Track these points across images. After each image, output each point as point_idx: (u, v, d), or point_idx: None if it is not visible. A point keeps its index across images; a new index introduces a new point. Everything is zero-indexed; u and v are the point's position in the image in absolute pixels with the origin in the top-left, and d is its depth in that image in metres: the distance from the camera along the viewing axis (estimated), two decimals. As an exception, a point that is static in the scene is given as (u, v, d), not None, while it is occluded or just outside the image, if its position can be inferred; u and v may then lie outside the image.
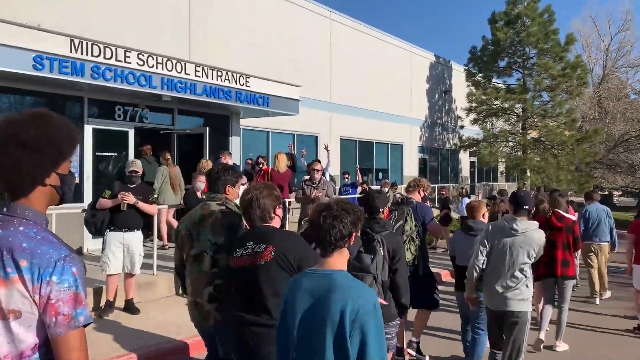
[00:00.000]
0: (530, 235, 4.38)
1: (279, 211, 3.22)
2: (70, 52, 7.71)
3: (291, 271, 2.90)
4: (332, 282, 2.17)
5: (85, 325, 1.54)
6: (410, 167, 23.36)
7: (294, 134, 16.88)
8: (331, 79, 18.27)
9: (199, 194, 7.46)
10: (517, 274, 4.35)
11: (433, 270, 6.10)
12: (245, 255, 2.98)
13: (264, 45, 14.99)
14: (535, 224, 4.50)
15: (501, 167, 27.77)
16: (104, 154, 9.50)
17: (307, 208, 8.82)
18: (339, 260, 2.26)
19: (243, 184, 7.82)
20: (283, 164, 9.65)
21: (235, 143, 11.87)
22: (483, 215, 5.53)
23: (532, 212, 5.29)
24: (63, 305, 1.49)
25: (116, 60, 8.32)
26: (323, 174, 9.18)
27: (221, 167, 3.70)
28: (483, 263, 4.53)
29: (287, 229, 3.44)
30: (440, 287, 6.04)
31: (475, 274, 4.55)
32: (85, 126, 9.13)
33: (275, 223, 3.17)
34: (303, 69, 16.53)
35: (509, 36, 22.96)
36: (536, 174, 23.38)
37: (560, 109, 22.95)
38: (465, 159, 28.20)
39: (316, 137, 17.90)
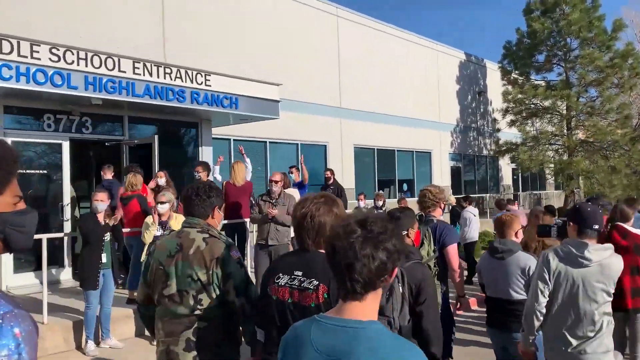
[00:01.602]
0: (608, 264, 3.30)
1: None
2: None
3: None
4: (362, 339, 1.44)
5: None
6: (442, 177, 21.09)
7: (297, 144, 15.11)
8: (340, 82, 16.45)
9: (100, 217, 5.73)
10: (597, 318, 3.28)
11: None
12: (291, 287, 2.35)
13: (260, 47, 13.37)
14: (610, 247, 3.41)
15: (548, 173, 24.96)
16: (28, 171, 7.97)
17: (264, 229, 7.01)
18: (372, 306, 1.53)
19: (163, 203, 6.09)
20: (241, 175, 7.86)
21: (206, 154, 10.16)
22: (516, 233, 4.30)
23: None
24: None
25: (18, 55, 6.80)
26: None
27: (207, 186, 3.02)
28: (545, 306, 3.41)
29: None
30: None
31: (536, 323, 3.43)
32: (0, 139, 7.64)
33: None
34: (305, 72, 14.80)
35: (546, 26, 20.43)
36: (585, 179, 20.58)
37: (609, 104, 20.06)
38: (506, 166, 25.56)
39: (325, 146, 16.07)
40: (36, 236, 6.53)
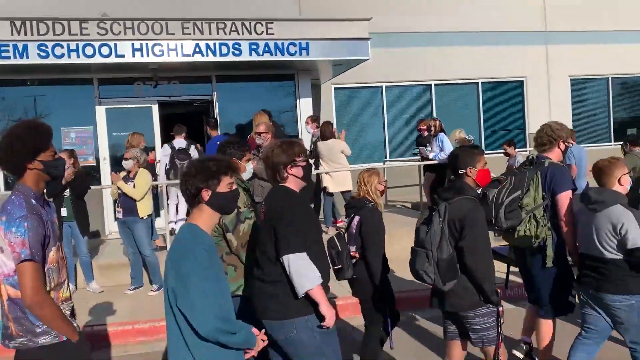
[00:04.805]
0: None
1: (295, 170, 3.06)
2: (12, 34, 7.65)
3: (271, 232, 2.94)
4: (179, 235, 2.40)
5: (26, 261, 2.28)
6: None
7: (477, 83, 13.02)
8: (545, -1, 13.23)
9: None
10: None
11: None
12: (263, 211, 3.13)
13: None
14: None
15: None
16: (122, 133, 9.20)
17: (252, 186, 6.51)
18: (197, 215, 2.43)
19: (127, 159, 6.30)
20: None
21: (304, 106, 9.77)
22: (619, 180, 3.57)
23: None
24: (16, 246, 2.29)
25: (69, 34, 7.84)
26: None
27: (225, 141, 3.65)
28: None
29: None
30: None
31: None
32: (97, 107, 9.02)
33: (290, 183, 3.06)
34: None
35: None
36: None
37: None
38: None
39: (521, 82, 13.38)
40: None
